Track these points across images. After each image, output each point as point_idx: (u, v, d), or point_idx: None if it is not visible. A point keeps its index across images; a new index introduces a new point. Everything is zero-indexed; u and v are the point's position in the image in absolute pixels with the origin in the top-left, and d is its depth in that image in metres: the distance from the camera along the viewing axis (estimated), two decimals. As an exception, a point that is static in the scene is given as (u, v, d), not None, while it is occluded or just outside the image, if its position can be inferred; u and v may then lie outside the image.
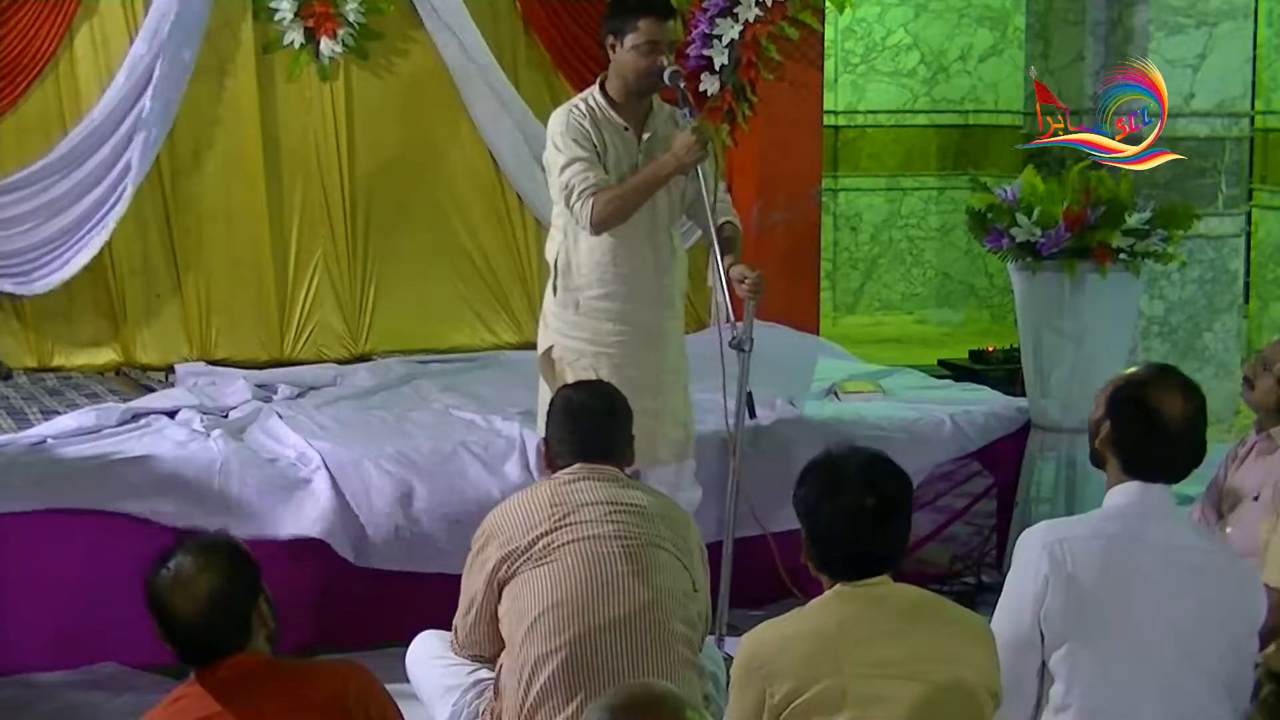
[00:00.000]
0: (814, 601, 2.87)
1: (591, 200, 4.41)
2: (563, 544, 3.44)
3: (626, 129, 4.56)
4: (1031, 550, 3.00)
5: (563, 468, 3.62)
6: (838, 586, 2.84)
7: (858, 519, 2.80)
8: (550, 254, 4.64)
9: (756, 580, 4.88)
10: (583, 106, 4.55)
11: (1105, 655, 2.94)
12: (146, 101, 6.03)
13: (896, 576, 2.88)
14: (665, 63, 4.46)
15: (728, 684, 3.76)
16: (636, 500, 3.55)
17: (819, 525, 2.85)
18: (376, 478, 4.80)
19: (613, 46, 4.52)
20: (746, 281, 4.38)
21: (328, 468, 4.78)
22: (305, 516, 4.68)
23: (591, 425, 3.65)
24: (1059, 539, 3.00)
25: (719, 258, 4.38)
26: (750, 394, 4.39)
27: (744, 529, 4.68)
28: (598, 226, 4.45)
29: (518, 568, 3.46)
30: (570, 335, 4.57)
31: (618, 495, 3.54)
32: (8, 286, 6.07)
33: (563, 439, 3.67)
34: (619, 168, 4.52)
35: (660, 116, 4.61)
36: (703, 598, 3.60)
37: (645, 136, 4.57)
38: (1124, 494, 3.07)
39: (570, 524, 3.46)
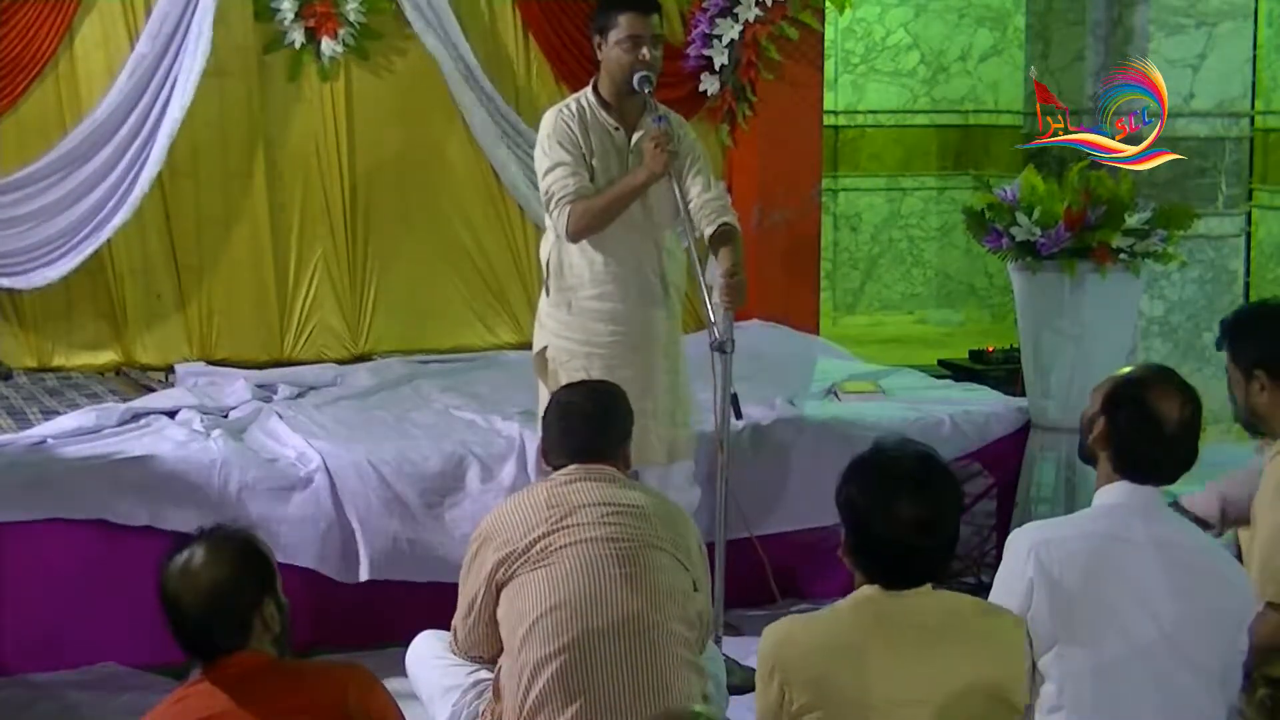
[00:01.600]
0: (845, 605, 2.79)
1: (568, 209, 4.43)
2: (560, 547, 3.42)
3: (617, 128, 4.55)
4: (1018, 553, 3.00)
5: (558, 468, 3.63)
6: (874, 591, 2.77)
7: (909, 531, 2.72)
8: (543, 255, 4.64)
9: (754, 581, 4.88)
10: (573, 107, 4.56)
11: (1096, 656, 2.94)
12: (147, 99, 6.04)
13: None
14: (648, 56, 4.44)
15: (729, 685, 3.78)
16: (634, 501, 3.54)
17: (865, 531, 2.77)
18: (376, 479, 4.80)
19: (599, 45, 4.53)
20: (722, 285, 4.37)
21: (328, 468, 4.78)
22: (300, 539, 4.66)
23: (583, 425, 3.64)
24: (1045, 541, 2.99)
25: (695, 260, 4.37)
26: (735, 395, 4.38)
27: (740, 530, 4.69)
28: (573, 236, 4.47)
29: (515, 570, 3.45)
30: (563, 335, 4.58)
31: (615, 496, 3.53)
32: (5, 282, 6.07)
33: (556, 439, 3.66)
34: (608, 168, 4.52)
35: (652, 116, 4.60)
36: (703, 597, 3.60)
37: (636, 136, 4.56)
38: (1113, 493, 3.08)
39: (567, 526, 3.45)
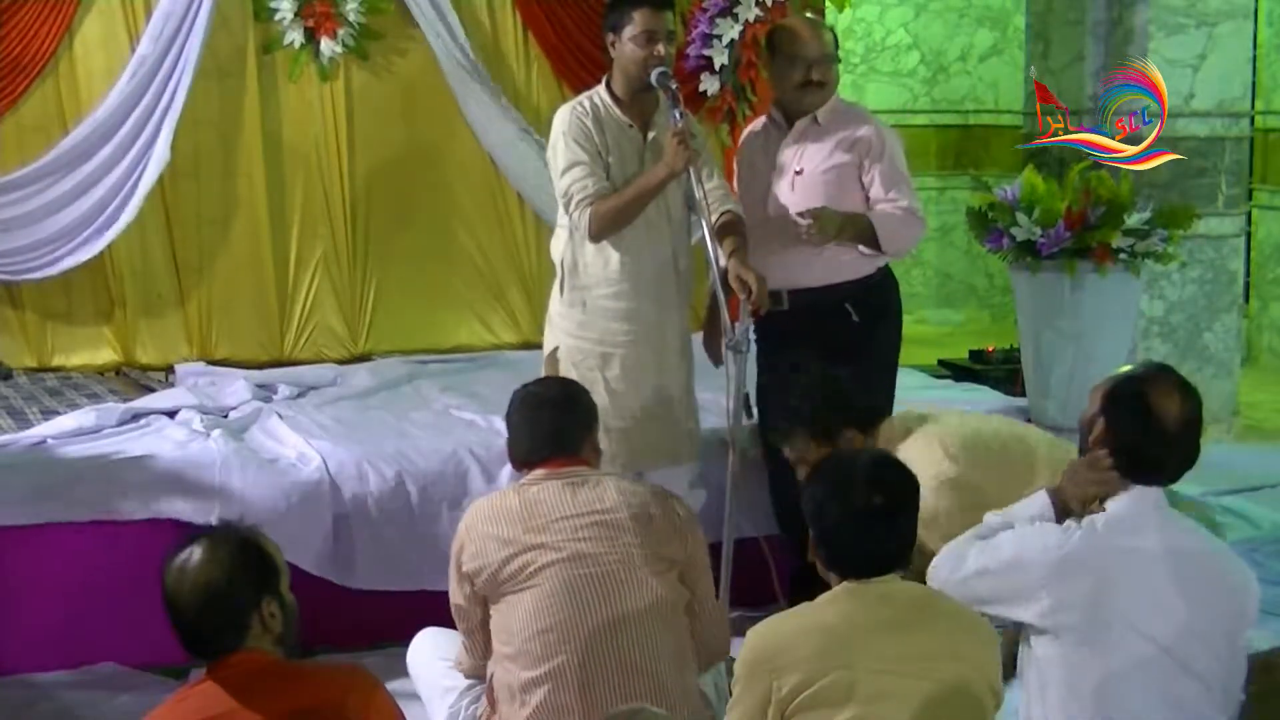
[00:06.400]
0: (822, 597, 2.89)
1: (589, 210, 4.40)
2: (541, 567, 3.39)
3: (631, 126, 4.54)
4: (1032, 560, 3.02)
5: (526, 465, 3.58)
6: (846, 583, 2.86)
7: (867, 517, 2.84)
8: (556, 253, 4.62)
9: (759, 582, 4.87)
10: (586, 104, 4.54)
11: (1104, 664, 2.94)
12: (149, 100, 6.04)
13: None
14: (662, 51, 4.44)
15: (729, 687, 3.77)
16: (608, 506, 3.48)
17: (828, 524, 2.88)
18: (376, 479, 4.79)
19: (613, 44, 4.52)
20: (752, 294, 4.35)
21: (328, 468, 4.77)
22: (299, 540, 4.64)
23: (551, 412, 3.61)
24: (1058, 548, 3.00)
25: (714, 258, 4.34)
26: (747, 395, 4.38)
27: (747, 530, 4.68)
28: (596, 236, 4.45)
29: (501, 589, 3.42)
30: (577, 335, 4.56)
31: (589, 503, 3.47)
32: (4, 275, 6.08)
33: (524, 430, 3.62)
34: (624, 166, 4.50)
35: (666, 114, 4.58)
36: (698, 573, 3.56)
37: (651, 135, 4.55)
38: (1121, 501, 3.07)
39: (544, 545, 3.40)
